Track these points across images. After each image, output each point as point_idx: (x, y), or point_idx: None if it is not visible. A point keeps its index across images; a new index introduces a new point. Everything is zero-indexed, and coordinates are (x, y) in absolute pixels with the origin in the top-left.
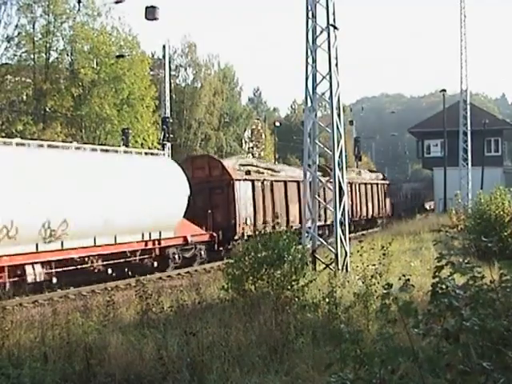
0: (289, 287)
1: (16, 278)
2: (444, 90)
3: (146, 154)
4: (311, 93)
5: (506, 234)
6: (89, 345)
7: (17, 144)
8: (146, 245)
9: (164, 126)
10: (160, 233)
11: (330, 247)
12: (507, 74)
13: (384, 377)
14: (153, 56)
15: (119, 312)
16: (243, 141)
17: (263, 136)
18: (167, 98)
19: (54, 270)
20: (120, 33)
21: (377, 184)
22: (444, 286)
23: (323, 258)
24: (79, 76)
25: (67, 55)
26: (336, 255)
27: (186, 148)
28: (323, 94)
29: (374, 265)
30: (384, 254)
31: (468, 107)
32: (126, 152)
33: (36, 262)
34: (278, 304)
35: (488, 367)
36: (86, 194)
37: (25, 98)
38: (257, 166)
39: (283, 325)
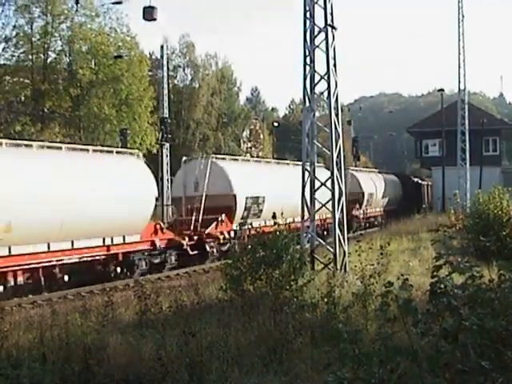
0: (287, 287)
1: None
2: (442, 90)
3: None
4: (309, 93)
5: (504, 233)
6: (88, 345)
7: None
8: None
9: (162, 127)
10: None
11: (328, 247)
12: (506, 74)
13: (383, 376)
14: (151, 56)
15: (118, 312)
16: (241, 141)
17: (261, 136)
18: (165, 98)
19: None
20: (118, 33)
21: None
22: (443, 286)
23: (322, 257)
24: (77, 76)
25: (65, 56)
26: (334, 255)
27: (184, 148)
28: (321, 93)
29: (373, 264)
30: (382, 254)
31: (466, 107)
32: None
33: None
34: (276, 304)
35: (487, 367)
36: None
37: (23, 98)
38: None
39: (282, 325)
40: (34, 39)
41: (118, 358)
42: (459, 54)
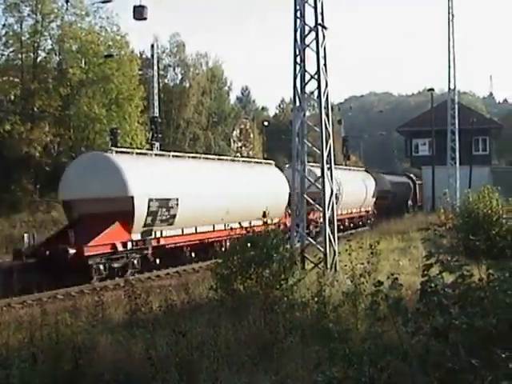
0: (277, 286)
1: None
2: (432, 89)
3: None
4: (299, 92)
5: (493, 232)
6: (78, 345)
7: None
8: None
9: (152, 126)
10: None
11: (318, 246)
12: (495, 73)
13: (373, 375)
14: (141, 55)
15: (108, 312)
16: (231, 140)
17: (252, 135)
18: (155, 97)
19: None
20: (108, 32)
21: None
22: (433, 285)
23: (312, 257)
24: (67, 76)
25: (55, 55)
26: (325, 254)
27: (174, 148)
28: (312, 93)
29: (363, 264)
30: (372, 253)
31: (456, 106)
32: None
33: None
34: (266, 303)
35: (476, 365)
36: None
37: (13, 97)
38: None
39: (272, 324)
40: (23, 38)
41: (108, 357)
42: (449, 53)
